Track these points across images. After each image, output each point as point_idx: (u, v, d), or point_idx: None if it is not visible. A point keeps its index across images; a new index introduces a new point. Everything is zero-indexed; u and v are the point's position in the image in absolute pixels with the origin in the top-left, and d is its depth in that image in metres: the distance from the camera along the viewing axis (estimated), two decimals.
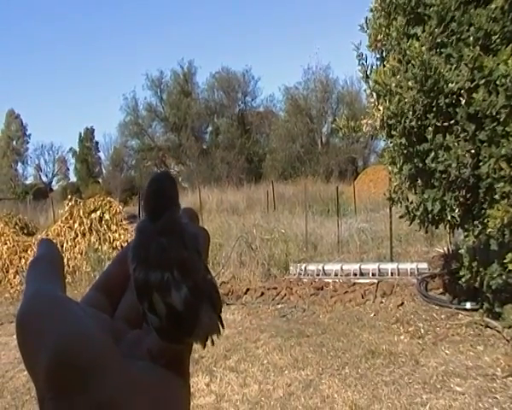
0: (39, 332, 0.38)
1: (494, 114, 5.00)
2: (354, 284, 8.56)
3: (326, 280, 8.91)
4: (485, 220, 5.44)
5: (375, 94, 6.04)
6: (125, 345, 0.44)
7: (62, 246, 11.13)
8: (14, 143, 50.39)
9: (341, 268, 9.26)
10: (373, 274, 8.89)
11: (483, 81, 5.04)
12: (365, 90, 6.57)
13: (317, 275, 9.26)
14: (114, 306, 0.50)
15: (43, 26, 73.61)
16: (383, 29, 6.01)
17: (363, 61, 6.32)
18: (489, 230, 5.27)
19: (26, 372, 5.85)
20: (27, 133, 51.34)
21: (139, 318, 0.45)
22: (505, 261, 5.25)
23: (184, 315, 0.42)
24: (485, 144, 5.22)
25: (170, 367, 0.44)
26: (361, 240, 11.56)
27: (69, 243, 11.15)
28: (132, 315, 0.47)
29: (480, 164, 5.27)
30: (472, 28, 5.12)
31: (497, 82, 4.89)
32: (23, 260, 11.14)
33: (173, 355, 0.44)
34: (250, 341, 6.53)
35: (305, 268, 9.54)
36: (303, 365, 5.69)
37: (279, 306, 8.17)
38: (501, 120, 4.99)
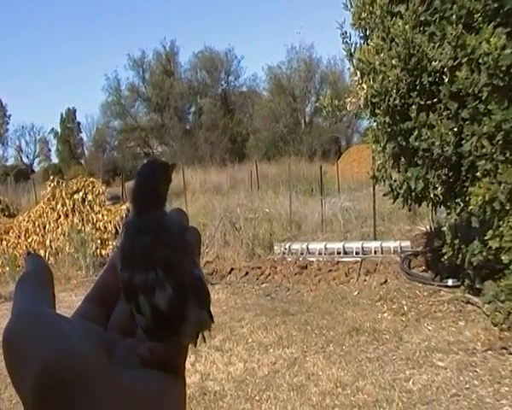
0: (25, 352, 0.38)
1: (476, 92, 5.04)
2: (338, 262, 8.61)
3: (310, 259, 8.95)
4: (467, 198, 5.51)
5: (358, 72, 6.03)
6: (119, 355, 0.44)
7: (45, 227, 11.05)
8: None
9: (325, 247, 9.31)
10: (356, 253, 8.95)
11: (466, 59, 5.06)
12: (349, 69, 6.57)
13: (301, 254, 9.31)
14: (108, 315, 0.50)
15: (24, 4, 72.31)
16: (367, 7, 5.99)
17: (347, 40, 6.31)
18: (470, 207, 5.34)
19: None
20: (7, 114, 50.67)
21: (132, 326, 0.45)
22: (486, 238, 5.32)
23: (169, 315, 0.42)
24: (467, 122, 5.26)
25: (162, 368, 0.44)
26: (345, 219, 11.61)
27: (52, 225, 11.05)
28: (126, 324, 0.47)
29: (463, 142, 5.31)
30: (455, 6, 5.13)
31: (480, 60, 4.91)
32: (4, 243, 11.03)
33: (164, 355, 0.44)
34: (235, 320, 6.56)
35: (290, 247, 9.57)
36: (288, 343, 5.74)
37: (263, 285, 8.21)
38: (483, 98, 5.02)
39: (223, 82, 44.22)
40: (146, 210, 0.45)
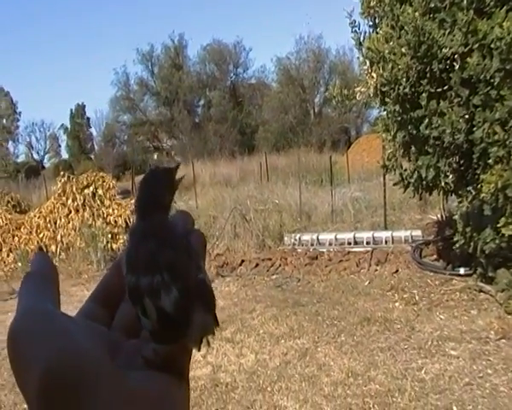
0: (29, 351, 0.38)
1: (488, 78, 4.97)
2: (348, 252, 8.59)
3: (320, 250, 8.94)
4: (479, 186, 5.45)
5: (368, 61, 5.98)
6: (123, 356, 0.44)
7: (56, 223, 11.10)
8: (5, 121, 49.85)
9: (335, 237, 9.28)
10: (367, 243, 8.91)
11: (477, 45, 5.00)
12: (358, 58, 6.52)
13: (312, 245, 9.28)
14: (112, 316, 0.50)
15: (33, 1, 72.48)
16: None
17: (356, 29, 6.26)
18: (482, 195, 5.29)
19: None
20: (18, 111, 50.90)
21: (136, 327, 0.45)
22: (499, 226, 5.27)
23: (175, 317, 0.41)
24: (479, 109, 5.20)
25: (166, 370, 0.43)
26: (355, 209, 11.58)
27: (62, 220, 11.10)
28: (130, 325, 0.47)
29: (474, 129, 5.25)
30: None
31: (492, 45, 4.85)
32: (16, 239, 11.11)
33: (169, 356, 0.44)
34: (246, 312, 6.56)
35: (300, 238, 9.55)
36: (299, 333, 5.73)
37: (274, 276, 8.20)
38: (495, 83, 4.96)
39: (231, 74, 44.21)
40: (149, 215, 0.45)
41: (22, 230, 11.27)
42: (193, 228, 0.51)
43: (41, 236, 11.03)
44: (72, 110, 50.56)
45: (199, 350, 0.45)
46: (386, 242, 8.83)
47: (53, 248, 10.76)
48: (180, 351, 0.45)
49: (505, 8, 4.86)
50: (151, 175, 0.47)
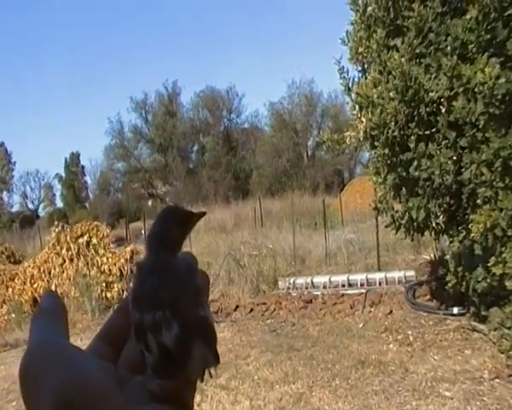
0: (41, 382, 0.38)
1: (473, 120, 5.07)
2: (343, 295, 8.58)
3: (315, 293, 8.92)
4: (469, 226, 5.50)
5: (357, 106, 6.08)
6: (129, 391, 0.45)
7: (50, 273, 11.07)
8: None
9: (330, 280, 9.28)
10: (361, 284, 8.92)
11: (462, 89, 5.11)
12: (348, 103, 6.64)
13: (306, 288, 9.27)
14: (118, 354, 0.51)
15: (26, 51, 73.61)
16: (364, 42, 6.07)
17: (345, 75, 6.39)
18: (472, 235, 5.32)
19: (14, 403, 5.81)
20: (12, 161, 51.15)
21: (141, 365, 0.46)
22: (489, 265, 5.31)
23: (175, 352, 0.43)
24: (466, 151, 5.29)
25: (171, 402, 0.45)
26: (349, 251, 11.61)
27: (57, 270, 11.08)
28: (135, 362, 0.48)
29: (462, 170, 5.33)
30: (449, 38, 5.20)
31: (475, 89, 4.96)
32: (10, 290, 11.05)
33: (173, 390, 0.45)
34: (240, 358, 6.53)
35: (294, 282, 9.55)
36: (293, 378, 5.70)
37: (268, 321, 8.17)
38: (480, 126, 5.06)
39: (225, 120, 44.59)
40: (157, 253, 0.47)
41: (16, 280, 11.22)
42: (196, 267, 0.51)
43: (35, 286, 10.97)
44: (66, 159, 50.83)
45: (202, 381, 0.47)
46: (379, 283, 8.84)
47: None
48: (184, 384, 0.46)
49: (486, 54, 5.00)
50: (166, 212, 0.50)
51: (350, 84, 6.34)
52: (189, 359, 0.44)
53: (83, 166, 51.42)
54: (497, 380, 4.97)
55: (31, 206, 51.85)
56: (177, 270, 0.47)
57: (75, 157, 51.10)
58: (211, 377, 0.47)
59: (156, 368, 0.44)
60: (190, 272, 0.48)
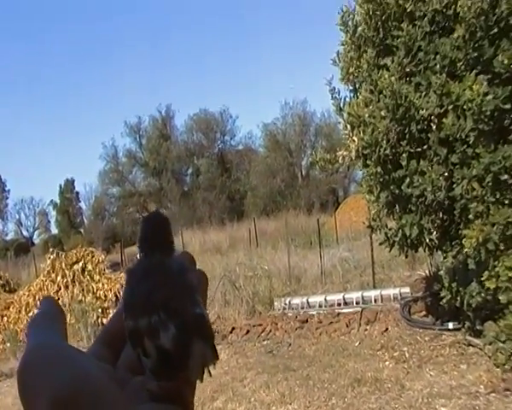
0: (41, 377, 0.39)
1: (464, 137, 5.13)
2: (338, 314, 8.57)
3: (310, 312, 8.91)
4: (462, 241, 5.53)
5: (349, 126, 6.13)
6: (128, 392, 0.45)
7: None
8: None
9: (325, 299, 9.28)
10: (357, 302, 8.91)
11: (451, 106, 5.18)
12: (339, 123, 6.68)
13: (302, 308, 9.26)
14: (117, 357, 0.51)
15: (19, 79, 73.90)
16: (354, 62, 6.14)
17: (336, 95, 6.45)
18: (466, 250, 5.36)
19: None
20: (6, 189, 51.10)
21: (140, 368, 0.46)
22: (483, 279, 5.34)
23: (174, 353, 0.43)
24: (457, 167, 5.34)
25: (171, 401, 0.45)
26: (344, 269, 11.61)
27: None
28: (134, 364, 0.47)
29: (454, 186, 5.37)
30: (438, 56, 5.29)
31: (464, 106, 5.03)
32: (5, 318, 11.01)
33: (173, 389, 0.45)
34: (237, 380, 6.50)
35: (290, 302, 9.53)
36: (290, 399, 5.68)
37: (265, 342, 8.15)
38: (470, 142, 5.12)
39: (219, 142, 44.65)
40: (149, 255, 0.47)
41: (11, 309, 11.19)
42: (192, 266, 0.52)
43: (30, 314, 10.94)
44: (61, 186, 50.79)
45: (201, 381, 0.46)
46: (375, 300, 8.83)
47: None
48: (183, 383, 0.46)
49: (474, 71, 5.07)
50: (154, 216, 0.50)
51: (341, 104, 6.40)
52: (189, 357, 0.44)
53: (77, 192, 51.37)
54: (493, 394, 4.97)
55: (25, 233, 51.69)
56: (169, 271, 0.46)
57: (70, 183, 51.06)
58: (210, 375, 0.47)
59: (156, 371, 0.44)
60: (183, 271, 0.47)
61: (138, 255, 0.47)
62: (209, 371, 0.47)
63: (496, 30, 5.11)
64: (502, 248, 5.09)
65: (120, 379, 0.46)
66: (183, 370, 0.44)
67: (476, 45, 5.15)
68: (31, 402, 0.39)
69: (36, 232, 52.60)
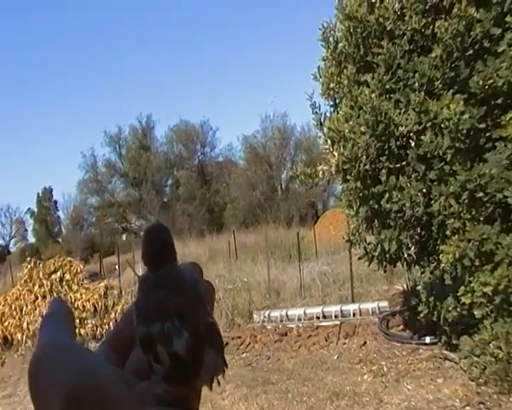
0: (53, 372, 0.40)
1: (441, 154, 5.23)
2: (317, 327, 8.63)
3: (290, 326, 8.96)
4: (439, 256, 5.62)
5: (329, 140, 6.17)
6: (135, 395, 0.46)
7: (22, 310, 10.90)
8: None
9: (304, 312, 9.33)
10: (335, 316, 8.97)
11: (429, 124, 5.27)
12: (320, 137, 6.74)
13: (281, 321, 9.30)
14: (124, 361, 0.51)
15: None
16: (335, 77, 6.20)
17: (317, 110, 6.51)
18: (443, 265, 5.44)
19: None
20: None
21: (148, 371, 0.46)
22: (459, 294, 5.42)
23: (188, 359, 0.43)
24: (435, 183, 5.43)
25: (177, 406, 0.46)
26: (323, 283, 11.67)
27: (29, 307, 10.92)
28: (141, 368, 0.48)
29: (432, 202, 5.46)
30: (417, 75, 5.38)
31: (442, 125, 5.13)
32: None
33: (179, 395, 0.46)
34: (216, 393, 6.47)
35: (269, 315, 9.57)
36: None
37: (244, 355, 8.17)
38: (447, 159, 5.22)
39: (199, 153, 44.49)
40: (158, 266, 0.47)
41: None
42: (201, 277, 0.52)
43: (6, 324, 10.80)
44: (39, 194, 50.23)
45: (210, 389, 0.47)
46: (354, 314, 8.91)
47: (18, 336, 10.55)
48: (190, 390, 0.46)
49: (451, 90, 5.18)
50: (157, 228, 0.50)
51: (322, 119, 6.45)
52: (201, 365, 0.44)
53: (55, 201, 50.78)
54: (468, 408, 5.06)
55: (1, 241, 50.99)
56: (183, 280, 0.47)
57: (48, 192, 50.50)
58: (219, 384, 0.47)
59: (168, 377, 0.44)
60: (195, 281, 0.48)
61: (146, 265, 0.48)
62: (218, 381, 0.48)
63: (471, 51, 5.23)
64: (477, 264, 5.18)
65: (127, 383, 0.46)
66: (195, 377, 0.45)
67: (453, 65, 5.26)
68: (42, 394, 0.40)
69: (12, 241, 51.93)
